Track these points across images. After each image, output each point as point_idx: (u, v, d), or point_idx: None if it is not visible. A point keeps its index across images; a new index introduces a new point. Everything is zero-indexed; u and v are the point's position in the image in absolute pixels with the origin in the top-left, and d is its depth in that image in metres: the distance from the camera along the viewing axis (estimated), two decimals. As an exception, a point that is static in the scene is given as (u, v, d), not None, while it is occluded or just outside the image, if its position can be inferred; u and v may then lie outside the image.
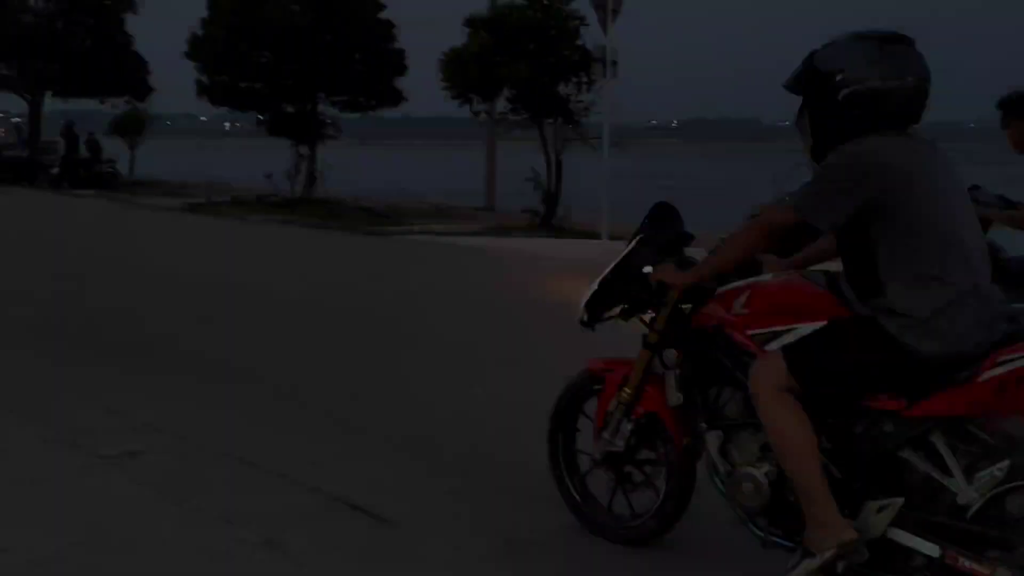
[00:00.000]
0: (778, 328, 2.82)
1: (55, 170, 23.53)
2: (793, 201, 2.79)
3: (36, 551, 3.29)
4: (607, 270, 3.33)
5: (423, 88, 25.05)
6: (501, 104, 17.62)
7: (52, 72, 26.88)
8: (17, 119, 32.80)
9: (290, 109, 20.37)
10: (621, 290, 3.29)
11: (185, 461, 4.26)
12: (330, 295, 8.82)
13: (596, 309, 3.38)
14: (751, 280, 2.98)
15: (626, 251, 3.30)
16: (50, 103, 29.45)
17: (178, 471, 4.13)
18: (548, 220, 15.95)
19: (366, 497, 3.83)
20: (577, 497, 3.56)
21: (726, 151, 77.16)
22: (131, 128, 25.44)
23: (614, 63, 14.07)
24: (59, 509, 3.67)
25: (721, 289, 3.01)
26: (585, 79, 16.16)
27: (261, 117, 20.90)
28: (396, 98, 20.72)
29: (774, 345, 2.79)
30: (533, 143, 17.27)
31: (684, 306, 3.09)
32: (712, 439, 2.99)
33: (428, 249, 12.75)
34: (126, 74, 27.80)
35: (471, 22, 16.64)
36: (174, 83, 33.12)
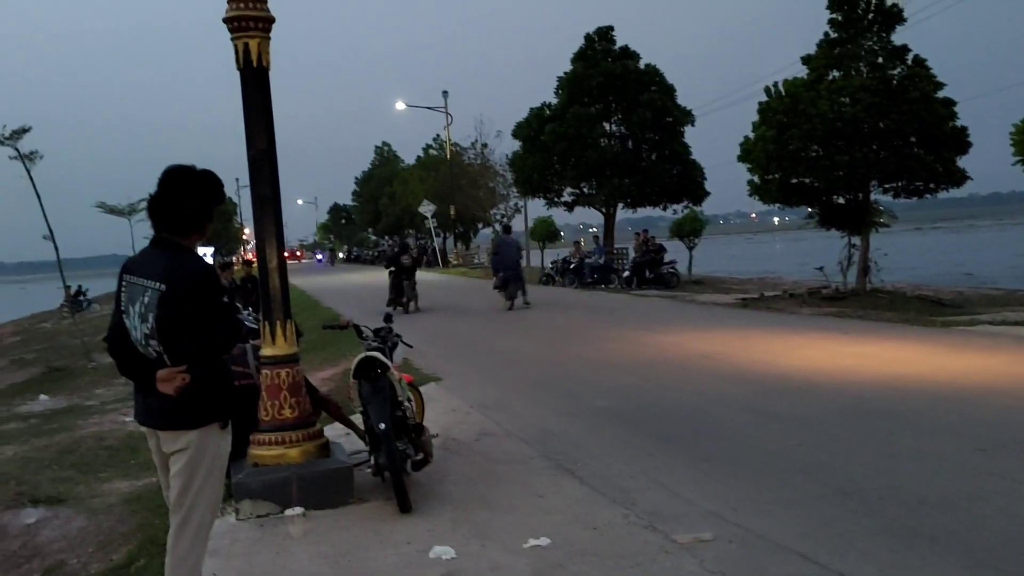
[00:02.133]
0: None
1: (625, 273, 26.46)
2: None
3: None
4: None
5: (988, 164, 22.98)
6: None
7: (626, 187, 30.61)
8: (593, 229, 37.74)
9: (840, 200, 20.19)
10: None
11: (749, 552, 4.46)
12: (905, 392, 8.42)
13: None
14: None
15: None
16: (620, 213, 33.37)
17: (743, 562, 4.34)
18: None
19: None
20: None
21: None
22: (689, 230, 27.41)
23: None
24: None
25: None
26: None
27: (811, 210, 20.98)
28: (958, 178, 19.25)
29: None
30: None
31: None
32: None
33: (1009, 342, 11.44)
34: (685, 182, 30.57)
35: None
36: (725, 185, 35.19)
